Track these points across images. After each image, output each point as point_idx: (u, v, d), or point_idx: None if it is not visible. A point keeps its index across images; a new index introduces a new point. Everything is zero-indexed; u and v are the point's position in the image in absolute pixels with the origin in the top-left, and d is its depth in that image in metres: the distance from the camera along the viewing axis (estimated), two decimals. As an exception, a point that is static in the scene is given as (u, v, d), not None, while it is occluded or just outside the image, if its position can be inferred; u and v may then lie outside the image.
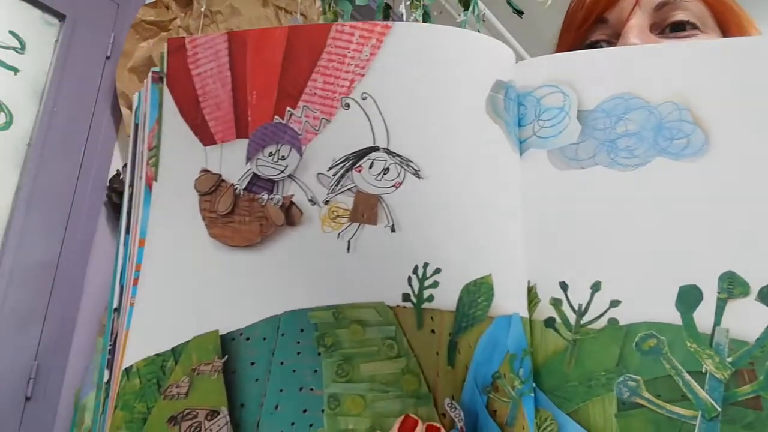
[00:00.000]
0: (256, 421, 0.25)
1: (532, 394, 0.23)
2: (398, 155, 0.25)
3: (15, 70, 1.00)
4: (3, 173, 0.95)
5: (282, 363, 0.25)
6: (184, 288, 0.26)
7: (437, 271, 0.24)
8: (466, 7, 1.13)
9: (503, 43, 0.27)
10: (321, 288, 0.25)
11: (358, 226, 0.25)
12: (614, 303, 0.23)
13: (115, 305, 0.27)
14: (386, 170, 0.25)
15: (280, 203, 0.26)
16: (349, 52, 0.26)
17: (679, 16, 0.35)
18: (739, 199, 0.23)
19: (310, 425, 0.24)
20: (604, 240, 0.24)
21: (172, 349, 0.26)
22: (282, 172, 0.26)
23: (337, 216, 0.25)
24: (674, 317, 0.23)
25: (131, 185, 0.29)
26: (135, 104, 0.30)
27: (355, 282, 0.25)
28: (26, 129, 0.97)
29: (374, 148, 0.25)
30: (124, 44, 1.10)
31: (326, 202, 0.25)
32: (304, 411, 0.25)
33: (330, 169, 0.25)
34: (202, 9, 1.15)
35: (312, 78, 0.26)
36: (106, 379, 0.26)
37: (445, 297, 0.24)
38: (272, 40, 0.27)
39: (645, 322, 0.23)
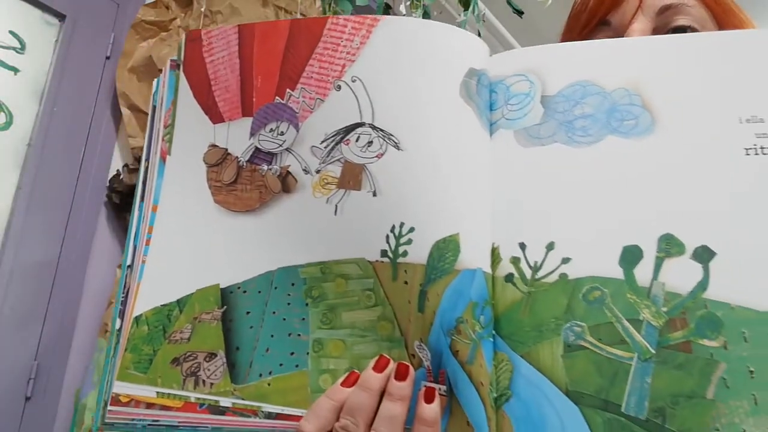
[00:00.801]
0: (249, 361, 0.28)
1: (491, 339, 0.26)
2: (381, 130, 0.28)
3: (15, 70, 1.00)
4: (3, 173, 0.94)
5: (274, 312, 0.29)
6: (190, 247, 0.30)
7: (411, 230, 0.27)
8: (466, 7, 1.14)
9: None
10: (311, 246, 0.28)
11: (345, 192, 0.29)
12: (565, 260, 0.27)
13: (128, 263, 0.31)
14: (370, 143, 0.29)
15: (278, 173, 0.30)
16: (342, 41, 0.30)
17: (681, 21, 0.35)
18: (678, 172, 0.26)
19: (296, 365, 0.28)
20: (560, 206, 0.27)
21: (177, 300, 0.30)
22: (280, 145, 0.30)
23: (327, 183, 0.29)
24: (617, 273, 0.26)
25: (147, 159, 0.33)
26: (153, 89, 0.34)
27: (340, 240, 0.28)
28: (26, 129, 0.97)
29: (361, 124, 0.29)
30: (124, 44, 1.11)
31: (318, 171, 0.29)
32: (292, 353, 0.28)
33: (322, 142, 0.29)
34: (202, 9, 1.17)
35: (309, 63, 0.30)
36: (117, 327, 0.30)
37: (418, 252, 0.27)
38: (276, 32, 0.31)
39: (591, 277, 0.26)
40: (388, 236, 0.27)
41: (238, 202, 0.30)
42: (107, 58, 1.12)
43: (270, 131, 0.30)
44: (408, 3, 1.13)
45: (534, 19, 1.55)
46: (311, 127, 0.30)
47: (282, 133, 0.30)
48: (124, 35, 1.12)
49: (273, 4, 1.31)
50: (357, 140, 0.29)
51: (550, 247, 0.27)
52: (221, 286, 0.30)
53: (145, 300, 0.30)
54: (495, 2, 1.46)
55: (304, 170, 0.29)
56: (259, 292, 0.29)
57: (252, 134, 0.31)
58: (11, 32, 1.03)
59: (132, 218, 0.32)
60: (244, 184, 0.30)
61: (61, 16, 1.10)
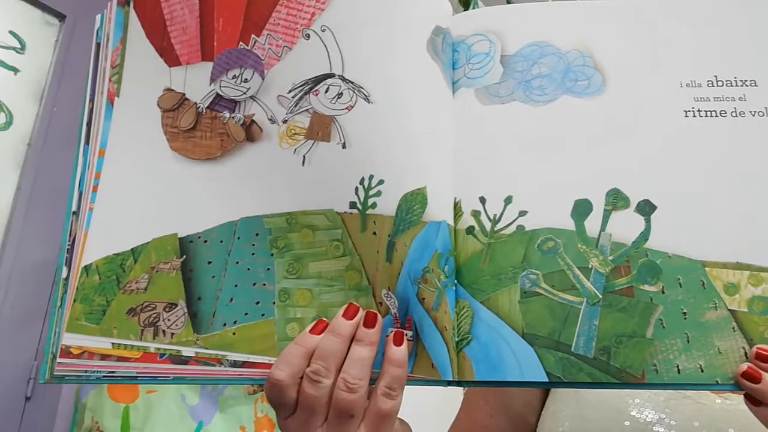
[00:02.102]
0: (213, 311, 0.25)
1: (454, 287, 0.25)
2: (351, 82, 0.26)
3: (15, 70, 0.89)
4: (3, 173, 0.84)
5: (237, 263, 0.25)
6: (144, 195, 0.26)
7: (381, 182, 0.25)
8: (466, 7, 1.02)
9: None
10: (276, 197, 0.26)
11: (313, 143, 0.26)
12: (522, 213, 0.26)
13: (73, 209, 0.26)
14: (340, 95, 0.26)
15: (242, 121, 0.26)
16: None
17: None
18: (626, 131, 0.26)
19: (262, 314, 0.25)
20: (517, 162, 0.26)
21: (132, 249, 0.25)
22: (244, 93, 0.26)
23: (295, 134, 0.26)
24: (569, 224, 0.25)
25: (91, 100, 0.28)
26: (97, 25, 0.29)
27: (308, 192, 0.25)
28: (26, 129, 0.88)
29: (330, 75, 0.26)
30: None
31: (285, 121, 0.26)
32: (257, 303, 0.25)
33: (290, 92, 0.26)
34: None
35: (276, 9, 0.26)
36: (64, 275, 0.25)
37: (387, 204, 0.25)
38: None
39: (545, 228, 0.25)
40: (357, 188, 0.25)
41: (197, 149, 0.26)
42: None
43: (233, 78, 0.26)
44: None
45: None
46: (278, 75, 0.26)
47: (246, 80, 0.26)
48: None
49: None
50: (326, 91, 0.26)
51: (508, 200, 0.26)
52: (180, 236, 0.26)
53: (96, 249, 0.25)
54: (495, 2, 1.41)
55: (270, 119, 0.26)
56: (221, 241, 0.25)
57: (213, 80, 0.27)
58: (11, 32, 0.90)
59: (76, 162, 0.27)
60: (204, 131, 0.26)
61: (61, 16, 0.98)
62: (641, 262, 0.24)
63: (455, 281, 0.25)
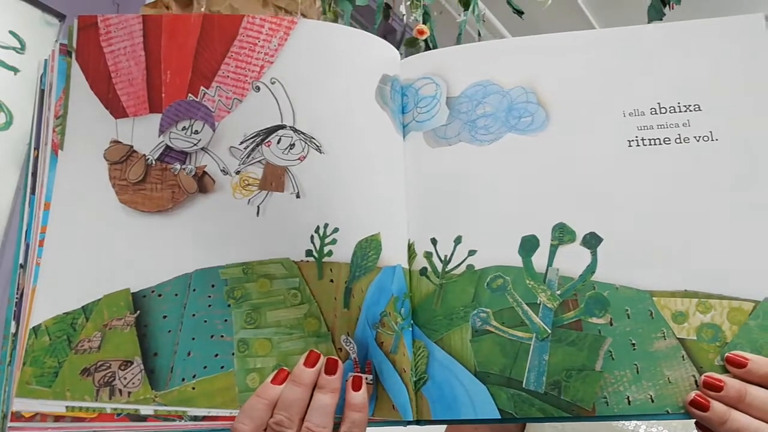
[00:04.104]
0: (170, 366, 0.23)
1: (410, 329, 0.24)
2: (303, 133, 0.24)
3: (15, 70, 0.83)
4: (3, 173, 0.77)
5: (194, 315, 0.23)
6: (93, 250, 0.24)
7: (335, 230, 0.24)
8: (466, 7, 0.95)
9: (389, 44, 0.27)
10: (231, 247, 0.24)
11: (267, 193, 0.24)
12: (471, 252, 0.24)
13: (20, 261, 0.24)
14: (292, 145, 0.24)
15: (193, 173, 0.24)
16: (259, 41, 0.25)
17: None
18: (569, 165, 0.25)
19: (222, 367, 0.23)
20: (465, 202, 0.25)
21: (82, 307, 0.23)
22: (195, 144, 0.24)
23: (248, 184, 0.24)
24: (517, 261, 0.24)
25: (36, 148, 0.25)
26: (40, 71, 0.26)
27: (263, 241, 0.24)
28: (26, 129, 0.81)
29: (282, 126, 0.24)
30: None
31: (237, 172, 0.24)
32: (216, 355, 0.23)
33: (241, 143, 0.24)
34: (202, 9, 1.03)
35: (225, 62, 0.25)
36: (12, 330, 0.23)
37: (342, 251, 0.24)
38: (187, 26, 0.25)
39: (494, 266, 0.24)
40: (312, 237, 0.24)
41: (148, 201, 0.24)
42: None
43: (182, 129, 0.24)
44: (408, 3, 0.96)
45: (534, 19, 1.44)
46: (229, 126, 0.24)
47: (196, 132, 0.24)
48: None
49: (273, 4, 1.15)
50: (278, 142, 0.24)
51: (458, 240, 0.24)
52: (132, 290, 0.23)
53: (44, 308, 0.23)
54: (495, 2, 1.26)
55: (222, 170, 0.24)
56: (176, 294, 0.23)
57: (161, 132, 0.24)
58: (11, 32, 0.83)
59: (22, 213, 0.25)
60: (154, 183, 0.24)
61: (61, 16, 0.90)
62: (589, 295, 0.23)
63: (411, 322, 0.24)
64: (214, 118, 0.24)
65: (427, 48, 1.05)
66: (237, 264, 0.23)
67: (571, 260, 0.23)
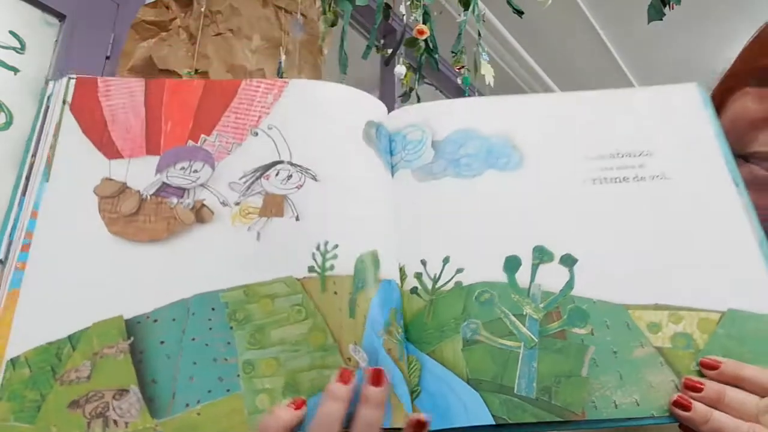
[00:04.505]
0: (172, 393, 0.22)
1: (405, 342, 0.25)
2: (299, 165, 0.26)
3: (15, 70, 0.83)
4: (3, 173, 0.77)
5: (194, 339, 0.23)
6: (79, 279, 0.23)
7: (336, 246, 0.25)
8: (466, 7, 0.96)
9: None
10: (231, 272, 0.24)
11: (267, 219, 0.25)
12: (459, 270, 0.26)
13: (1, 256, 0.23)
14: (290, 176, 0.26)
15: (191, 206, 0.25)
16: (256, 98, 0.28)
17: None
18: (544, 197, 0.27)
19: (227, 390, 0.23)
20: (452, 227, 0.27)
21: (69, 336, 0.22)
22: (194, 182, 0.26)
23: (248, 213, 0.25)
24: (502, 278, 0.26)
25: (33, 155, 0.25)
26: (49, 92, 0.26)
27: (264, 263, 0.25)
28: (26, 129, 0.82)
29: (280, 161, 0.26)
30: (124, 44, 0.92)
31: (237, 203, 0.25)
32: (220, 379, 0.23)
33: (241, 178, 0.26)
34: (202, 9, 0.98)
35: (225, 115, 0.27)
36: None
37: (344, 265, 0.25)
38: (189, 88, 0.27)
39: (481, 282, 0.26)
40: (314, 253, 0.25)
41: (140, 232, 0.24)
42: (107, 58, 0.93)
43: (181, 169, 0.25)
44: (408, 3, 0.96)
45: (534, 19, 1.40)
46: (229, 165, 0.26)
47: (195, 171, 0.25)
48: (124, 35, 0.92)
49: (273, 4, 1.13)
50: (277, 174, 0.26)
51: (446, 260, 0.26)
52: (125, 317, 0.23)
53: (24, 338, 0.21)
54: (495, 2, 1.27)
55: (221, 203, 0.25)
56: (174, 319, 0.23)
57: (159, 171, 0.26)
58: (11, 32, 0.83)
59: (10, 209, 0.24)
60: (148, 215, 0.24)
61: (61, 16, 0.90)
62: (570, 308, 0.25)
63: (405, 337, 0.25)
64: (214, 160, 0.25)
65: (427, 48, 1.05)
66: (238, 287, 0.23)
67: (552, 277, 0.25)
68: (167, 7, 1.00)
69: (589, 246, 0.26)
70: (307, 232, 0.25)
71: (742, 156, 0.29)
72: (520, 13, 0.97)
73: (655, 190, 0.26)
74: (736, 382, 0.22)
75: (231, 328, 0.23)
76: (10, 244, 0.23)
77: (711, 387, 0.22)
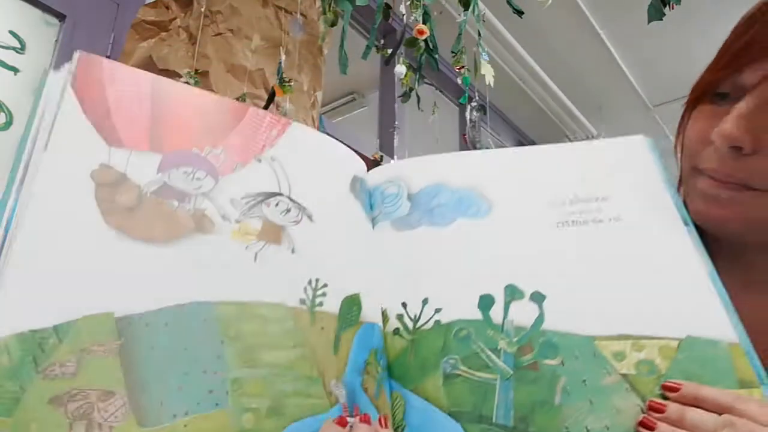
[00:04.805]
0: (160, 401, 0.21)
1: (388, 381, 0.26)
2: (297, 202, 0.28)
3: (15, 70, 0.79)
4: (3, 173, 0.77)
5: (186, 349, 0.22)
6: (71, 264, 0.21)
7: (325, 285, 0.27)
8: (466, 7, 0.96)
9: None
10: (228, 286, 0.24)
11: (265, 243, 0.26)
12: (437, 310, 0.28)
13: None
14: (288, 210, 0.27)
15: (192, 213, 0.25)
16: (261, 128, 0.29)
17: None
18: (512, 240, 0.30)
19: (216, 404, 0.22)
20: (429, 270, 0.29)
21: (54, 326, 0.20)
22: (197, 189, 0.25)
23: (247, 233, 0.26)
24: (478, 315, 0.27)
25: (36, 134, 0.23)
26: (44, 72, 0.24)
27: (260, 285, 0.25)
28: None
29: (280, 194, 0.28)
30: (124, 44, 0.89)
31: (238, 221, 0.26)
32: (210, 392, 0.22)
33: (243, 198, 0.27)
34: (202, 9, 0.95)
35: (232, 135, 0.28)
36: None
37: (331, 304, 0.26)
38: (200, 97, 0.28)
39: (458, 320, 0.27)
40: (305, 288, 0.26)
41: (139, 229, 0.23)
42: (107, 58, 0.91)
43: (184, 173, 0.25)
44: (408, 3, 0.95)
45: (534, 19, 1.39)
46: (232, 182, 0.27)
47: (198, 179, 0.25)
48: (124, 35, 0.89)
49: (273, 4, 1.08)
50: (277, 205, 0.27)
51: (425, 301, 0.28)
52: (116, 315, 0.21)
53: (5, 321, 0.19)
54: (495, 2, 1.26)
55: (222, 216, 0.26)
56: (166, 324, 0.22)
57: (161, 170, 0.25)
58: (11, 32, 0.81)
59: (5, 201, 0.21)
60: (147, 212, 0.23)
61: (61, 16, 0.87)
62: (541, 341, 0.26)
63: (388, 375, 0.26)
64: (217, 172, 0.25)
65: (427, 48, 1.04)
66: (233, 302, 0.23)
67: (523, 313, 0.27)
68: (167, 7, 0.99)
69: (556, 283, 0.28)
70: (301, 265, 0.26)
71: (696, 170, 0.32)
72: (520, 13, 0.96)
73: (613, 231, 0.29)
74: (696, 403, 0.24)
75: (222, 342, 0.22)
76: (4, 238, 0.20)
77: (672, 408, 0.23)
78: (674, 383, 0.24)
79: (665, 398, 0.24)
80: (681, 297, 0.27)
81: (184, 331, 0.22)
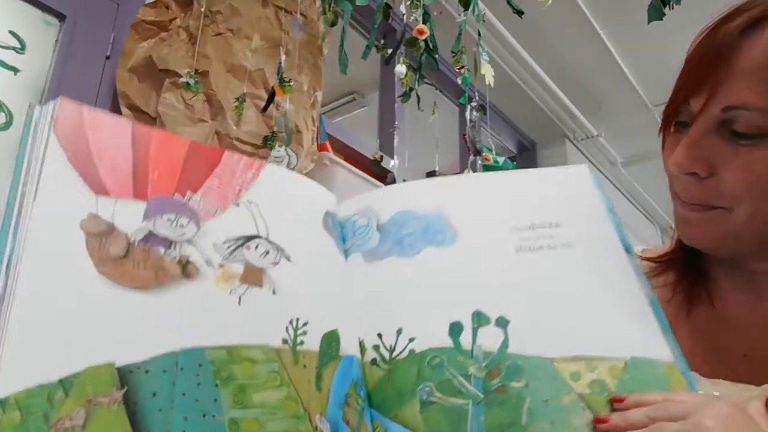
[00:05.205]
0: None
1: (369, 411, 0.28)
2: (275, 244, 0.29)
3: (15, 70, 0.77)
4: (3, 173, 0.76)
5: (184, 394, 0.23)
6: (71, 317, 0.22)
7: (305, 323, 0.28)
8: (466, 7, 0.96)
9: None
10: (215, 330, 0.25)
11: (247, 287, 0.27)
12: (411, 339, 0.29)
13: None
14: (267, 252, 0.28)
15: (177, 259, 0.26)
16: (237, 172, 0.30)
17: (737, 127, 0.30)
18: (477, 267, 0.31)
19: None
20: (401, 300, 0.30)
21: (60, 380, 0.21)
22: (181, 236, 0.27)
23: (230, 277, 0.27)
24: (449, 343, 0.29)
25: (25, 184, 0.23)
26: (36, 116, 0.24)
27: (245, 327, 0.26)
28: None
29: (258, 236, 0.29)
30: (124, 44, 0.86)
31: (221, 266, 0.27)
32: None
33: (224, 243, 0.28)
34: (202, 9, 0.93)
35: (210, 179, 0.29)
36: None
37: (312, 341, 0.28)
38: (175, 144, 0.29)
39: (431, 348, 0.29)
40: (287, 327, 0.27)
41: (130, 278, 0.24)
42: (107, 58, 0.87)
43: (168, 221, 0.26)
44: (408, 3, 0.94)
45: (534, 19, 1.35)
46: (213, 228, 0.28)
47: (182, 226, 0.27)
48: (124, 35, 0.87)
49: (273, 4, 1.06)
50: (256, 248, 0.28)
51: (399, 332, 0.29)
52: (117, 365, 0.22)
53: (12, 379, 0.20)
54: (495, 2, 1.24)
55: (206, 262, 0.27)
56: (165, 371, 0.23)
57: (146, 218, 0.26)
58: (11, 32, 0.79)
59: (4, 242, 0.21)
60: (137, 261, 0.24)
61: (61, 16, 0.85)
62: (507, 365, 0.28)
63: (369, 405, 0.28)
64: (199, 219, 0.26)
65: (427, 48, 1.04)
66: (222, 346, 0.24)
67: (490, 338, 0.28)
68: (167, 7, 0.98)
69: (518, 308, 0.29)
70: (282, 306, 0.27)
71: (674, 194, 0.34)
72: (520, 13, 0.96)
73: (564, 257, 0.31)
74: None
75: (216, 385, 0.23)
76: (7, 278, 0.20)
77: (614, 419, 0.26)
78: (620, 396, 0.26)
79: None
80: (625, 321, 0.29)
81: (181, 376, 0.23)
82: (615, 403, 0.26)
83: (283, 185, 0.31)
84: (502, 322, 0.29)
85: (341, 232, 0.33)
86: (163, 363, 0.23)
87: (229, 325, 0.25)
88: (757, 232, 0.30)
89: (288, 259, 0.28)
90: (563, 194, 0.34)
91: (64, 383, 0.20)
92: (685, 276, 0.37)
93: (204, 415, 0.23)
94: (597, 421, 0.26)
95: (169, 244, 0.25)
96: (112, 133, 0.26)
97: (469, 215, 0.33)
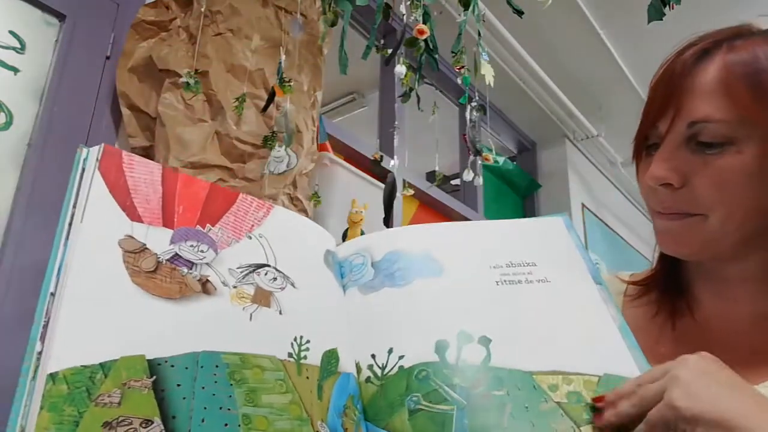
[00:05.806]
0: (188, 429, 0.25)
1: (365, 423, 0.32)
2: (282, 272, 0.34)
3: (15, 70, 0.76)
4: (3, 173, 0.78)
5: (203, 388, 0.27)
6: (109, 313, 0.26)
7: (308, 341, 0.32)
8: (466, 7, 0.96)
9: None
10: (230, 339, 0.29)
11: (257, 306, 0.31)
12: (401, 357, 0.33)
13: (51, 289, 0.25)
14: (275, 278, 0.33)
15: (198, 278, 0.30)
16: (250, 211, 0.35)
17: (703, 138, 0.33)
18: (461, 295, 0.36)
19: None
20: (392, 324, 0.35)
21: (100, 363, 0.24)
22: (201, 260, 0.31)
23: (243, 297, 0.31)
24: (435, 358, 0.33)
25: (74, 206, 0.28)
26: (83, 155, 0.30)
27: (255, 340, 0.30)
28: (26, 129, 0.82)
29: (267, 265, 0.33)
30: (124, 44, 0.87)
31: (235, 287, 0.31)
32: (225, 425, 0.26)
33: (238, 268, 0.32)
34: (202, 9, 0.93)
35: (226, 215, 0.34)
36: (38, 349, 0.24)
37: (314, 357, 0.32)
38: (198, 184, 0.34)
39: (419, 363, 0.32)
40: (292, 343, 0.31)
41: (158, 289, 0.28)
42: (107, 58, 0.88)
43: (191, 246, 0.31)
44: (408, 3, 0.96)
45: (534, 19, 1.34)
46: (228, 255, 0.33)
47: (202, 251, 0.31)
48: (124, 35, 0.89)
49: (273, 4, 1.07)
50: (266, 274, 0.33)
51: (390, 351, 0.33)
52: (147, 357, 0.26)
53: (61, 358, 0.24)
54: (495, 2, 1.26)
55: (222, 283, 0.31)
56: (186, 368, 0.27)
57: (173, 242, 0.31)
58: (11, 32, 0.81)
59: (57, 241, 0.26)
60: (164, 276, 0.29)
61: (61, 16, 0.87)
62: (489, 376, 0.32)
63: (364, 418, 0.31)
64: (217, 247, 0.32)
65: (427, 48, 1.05)
66: (235, 353, 0.28)
67: (474, 354, 0.32)
68: (167, 7, 0.99)
69: (499, 329, 0.34)
70: (287, 325, 0.31)
71: (653, 212, 0.38)
72: (520, 13, 0.97)
73: (542, 290, 0.36)
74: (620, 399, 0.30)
75: (231, 384, 0.27)
76: (57, 280, 0.25)
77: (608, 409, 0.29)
78: (600, 396, 0.30)
79: (591, 422, 0.29)
80: (597, 342, 0.33)
81: (201, 373, 0.26)
82: (596, 402, 0.30)
83: (290, 224, 0.36)
84: (485, 341, 0.33)
85: (340, 269, 0.38)
86: (185, 360, 0.27)
87: (241, 336, 0.29)
88: (730, 234, 0.33)
89: (293, 285, 0.33)
90: (538, 239, 0.39)
91: (104, 366, 0.24)
92: (667, 293, 0.40)
93: (221, 408, 0.26)
94: (595, 399, 0.29)
95: (191, 265, 0.30)
96: (145, 173, 0.32)
97: (453, 255, 0.38)
